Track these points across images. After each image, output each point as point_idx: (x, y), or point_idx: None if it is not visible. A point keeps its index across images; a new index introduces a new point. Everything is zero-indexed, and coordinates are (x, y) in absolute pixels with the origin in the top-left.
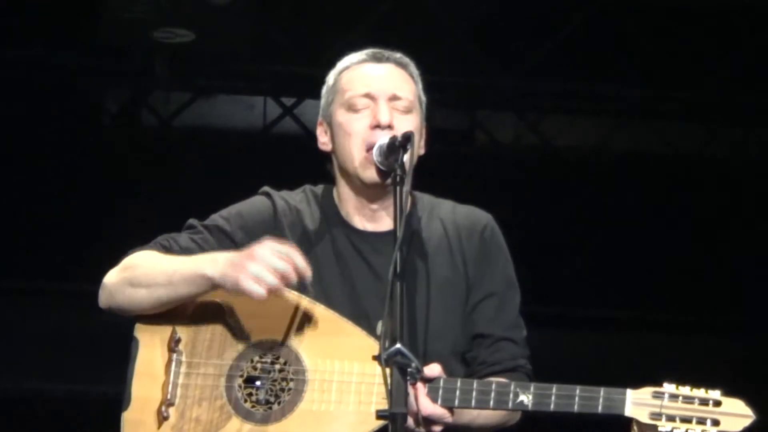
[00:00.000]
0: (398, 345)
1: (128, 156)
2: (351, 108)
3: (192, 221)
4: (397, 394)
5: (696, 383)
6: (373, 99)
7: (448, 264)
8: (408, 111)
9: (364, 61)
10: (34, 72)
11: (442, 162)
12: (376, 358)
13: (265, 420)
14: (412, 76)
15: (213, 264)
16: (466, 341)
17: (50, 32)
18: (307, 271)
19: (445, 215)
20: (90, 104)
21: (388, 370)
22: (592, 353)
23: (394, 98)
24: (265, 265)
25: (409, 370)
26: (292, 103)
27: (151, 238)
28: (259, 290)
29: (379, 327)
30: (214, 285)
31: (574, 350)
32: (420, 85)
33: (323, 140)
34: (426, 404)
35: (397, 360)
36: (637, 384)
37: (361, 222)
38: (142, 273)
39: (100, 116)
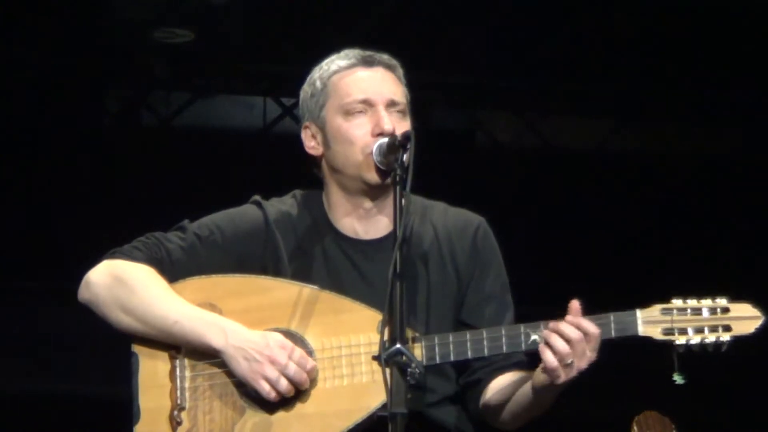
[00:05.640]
0: (398, 345)
1: (128, 156)
2: (348, 114)
3: (184, 223)
4: (397, 394)
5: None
6: (371, 105)
7: (437, 268)
8: (404, 114)
9: (354, 65)
10: (34, 72)
11: (442, 162)
12: (375, 358)
13: (280, 408)
14: (400, 78)
15: (220, 335)
16: None
17: (50, 32)
18: (312, 375)
19: (437, 219)
20: (90, 104)
21: (388, 370)
22: None
23: (391, 104)
24: (282, 373)
25: (409, 370)
26: (292, 103)
27: None
28: (271, 394)
29: (379, 326)
30: (218, 351)
31: None
32: (405, 85)
33: (311, 144)
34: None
35: (398, 360)
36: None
37: (351, 228)
38: (139, 304)
39: (100, 116)
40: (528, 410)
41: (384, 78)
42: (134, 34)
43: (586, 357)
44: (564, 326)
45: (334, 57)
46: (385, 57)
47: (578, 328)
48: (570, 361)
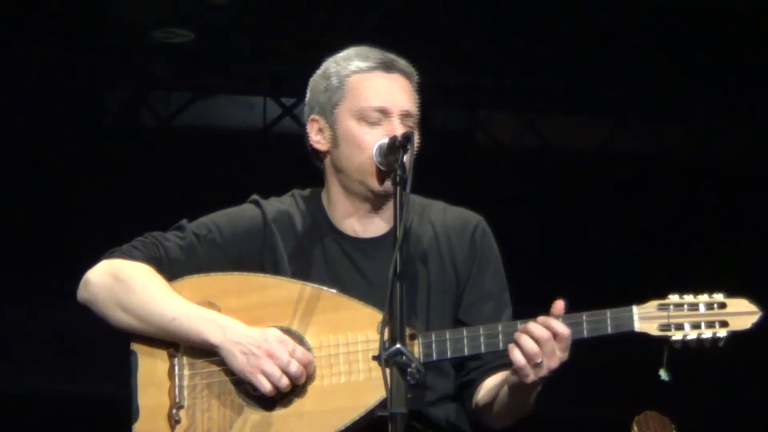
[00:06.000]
0: (398, 345)
1: (128, 156)
2: (363, 119)
3: (183, 223)
4: (397, 393)
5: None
6: (387, 114)
7: (437, 268)
8: (416, 125)
9: (373, 68)
10: (34, 72)
11: (442, 162)
12: (375, 358)
13: (278, 405)
14: (415, 87)
15: (218, 331)
16: None
17: (50, 32)
18: (311, 371)
19: (436, 218)
20: (90, 104)
21: (388, 371)
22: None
23: (406, 115)
24: (280, 368)
25: (409, 370)
26: (292, 103)
27: None
28: (268, 387)
29: (378, 326)
30: (216, 347)
31: (576, 350)
32: (418, 92)
33: (317, 138)
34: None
35: (397, 360)
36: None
37: (351, 227)
38: (138, 302)
39: (100, 116)
40: (510, 410)
41: (402, 87)
42: (134, 34)
43: (556, 356)
44: (533, 326)
45: (352, 53)
46: (404, 63)
47: (548, 328)
48: (539, 360)
